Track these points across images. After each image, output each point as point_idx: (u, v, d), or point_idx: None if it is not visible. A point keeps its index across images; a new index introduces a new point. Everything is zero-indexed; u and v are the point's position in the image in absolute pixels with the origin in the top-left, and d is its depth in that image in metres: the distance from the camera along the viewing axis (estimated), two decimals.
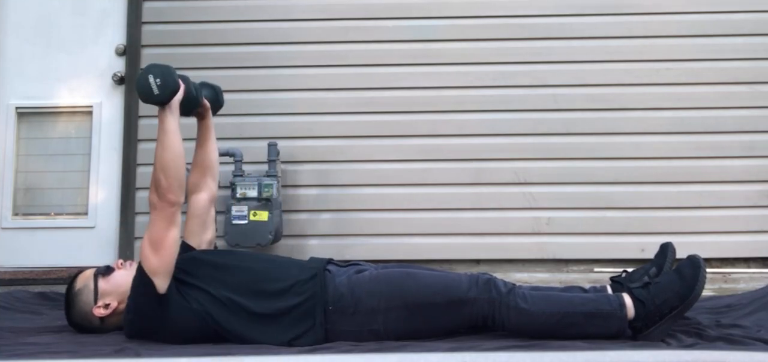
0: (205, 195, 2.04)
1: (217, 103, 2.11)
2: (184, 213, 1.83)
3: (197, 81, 1.91)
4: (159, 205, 1.71)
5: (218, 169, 2.14)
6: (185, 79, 1.85)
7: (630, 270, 1.86)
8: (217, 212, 3.03)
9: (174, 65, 3.24)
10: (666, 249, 1.85)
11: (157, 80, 1.70)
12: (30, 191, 3.29)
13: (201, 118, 2.06)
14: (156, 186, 1.72)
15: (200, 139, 2.08)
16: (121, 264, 1.90)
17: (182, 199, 1.75)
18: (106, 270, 1.86)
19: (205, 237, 2.03)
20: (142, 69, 1.76)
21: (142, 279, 1.71)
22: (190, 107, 1.93)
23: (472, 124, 3.17)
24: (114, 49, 3.29)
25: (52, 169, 3.28)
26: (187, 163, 2.00)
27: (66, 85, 3.31)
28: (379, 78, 3.21)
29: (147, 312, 1.71)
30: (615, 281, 1.83)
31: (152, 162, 1.76)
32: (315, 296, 1.75)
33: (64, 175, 3.28)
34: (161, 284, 1.71)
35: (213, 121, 2.09)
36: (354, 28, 3.23)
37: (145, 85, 1.70)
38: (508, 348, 1.60)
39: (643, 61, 3.16)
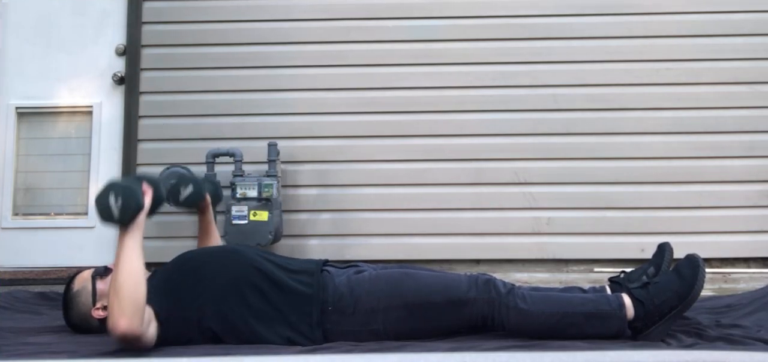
0: None
1: (216, 198, 2.16)
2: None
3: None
4: (113, 334, 1.51)
5: None
6: (154, 182, 1.68)
7: (628, 270, 1.86)
8: (217, 212, 3.04)
9: (174, 65, 3.28)
10: (664, 249, 1.85)
11: (118, 201, 1.53)
12: (30, 191, 3.29)
13: (201, 212, 2.09)
14: (109, 311, 1.51)
15: (201, 233, 2.11)
16: None
17: (138, 327, 1.51)
18: (105, 271, 1.85)
19: (207, 245, 2.04)
20: (103, 186, 1.55)
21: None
22: (185, 205, 1.93)
23: (472, 124, 3.17)
24: (114, 49, 3.30)
25: (52, 169, 3.28)
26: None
27: (66, 85, 3.31)
28: (379, 78, 3.21)
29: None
30: (613, 281, 1.83)
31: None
32: (312, 295, 1.74)
33: (64, 175, 3.28)
34: (146, 339, 1.62)
35: (212, 213, 2.12)
36: (354, 28, 3.23)
37: (104, 206, 1.54)
38: (508, 348, 1.60)
39: (643, 61, 3.16)
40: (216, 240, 2.13)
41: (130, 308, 1.50)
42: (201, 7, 3.26)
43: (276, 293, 1.74)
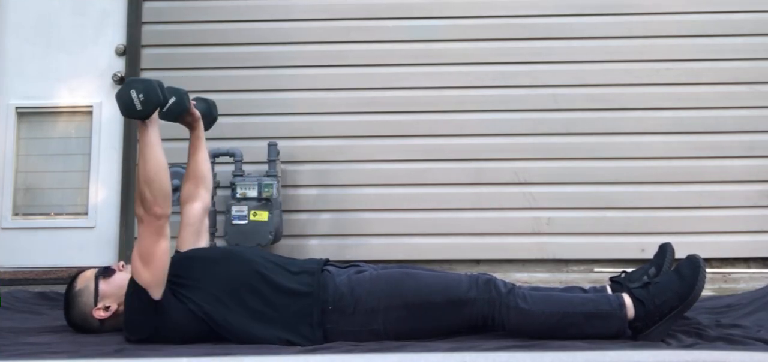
0: (198, 205, 2.05)
1: (210, 116, 2.14)
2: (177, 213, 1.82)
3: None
4: (146, 219, 1.68)
5: (211, 179, 2.14)
6: (166, 88, 1.81)
7: (629, 270, 1.86)
8: (217, 212, 3.04)
9: (174, 65, 3.28)
10: (665, 249, 1.84)
11: (140, 95, 1.66)
12: (30, 191, 3.29)
13: (191, 128, 2.07)
14: (141, 199, 1.68)
15: (191, 150, 2.09)
16: (123, 265, 1.89)
17: (168, 211, 1.70)
18: (107, 272, 1.85)
19: (198, 246, 2.02)
20: (124, 83, 1.72)
21: (135, 291, 1.69)
22: (173, 115, 1.95)
23: (472, 124, 3.17)
24: (114, 49, 3.30)
25: (52, 168, 3.28)
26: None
27: (66, 85, 3.31)
28: (379, 78, 3.21)
29: (143, 322, 1.70)
30: (614, 281, 1.83)
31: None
32: (313, 294, 1.74)
33: (64, 175, 3.28)
34: (155, 293, 1.69)
35: (205, 131, 2.10)
36: (354, 28, 3.23)
37: (127, 100, 1.66)
38: (508, 348, 1.60)
39: (643, 61, 3.17)
40: (204, 158, 2.09)
41: (161, 195, 1.67)
42: (201, 7, 3.26)
43: (276, 294, 1.74)
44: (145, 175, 1.68)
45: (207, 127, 2.12)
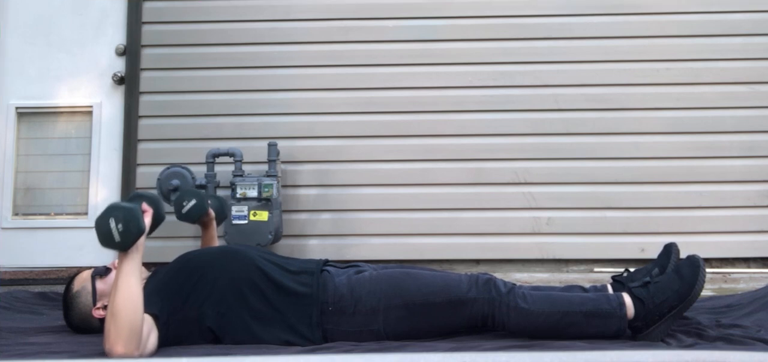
0: None
1: (221, 214, 2.18)
2: None
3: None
4: (109, 357, 1.49)
5: None
6: (155, 202, 1.67)
7: (632, 269, 1.86)
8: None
9: (174, 65, 3.28)
10: (670, 249, 1.84)
11: (119, 226, 1.51)
12: (30, 191, 3.29)
13: (205, 227, 2.11)
14: (105, 335, 1.49)
15: (204, 246, 2.13)
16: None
17: (134, 350, 1.50)
18: (104, 271, 1.85)
19: None
20: (104, 210, 1.53)
21: None
22: (190, 219, 1.98)
23: (472, 124, 3.17)
24: (114, 49, 3.30)
25: (52, 168, 3.28)
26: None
27: (66, 85, 3.31)
28: (379, 78, 3.21)
29: None
30: (616, 280, 1.83)
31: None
32: (312, 295, 1.74)
33: (64, 175, 3.28)
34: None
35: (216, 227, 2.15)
36: (354, 28, 3.23)
37: (105, 231, 1.51)
38: (508, 348, 1.60)
39: (643, 61, 3.17)
40: None
41: (126, 333, 1.48)
42: (201, 7, 3.26)
43: (276, 294, 1.74)
44: (112, 306, 1.50)
45: (218, 224, 2.17)
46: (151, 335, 1.60)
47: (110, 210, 1.53)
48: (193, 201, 2.01)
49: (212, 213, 2.09)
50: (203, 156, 3.04)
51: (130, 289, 1.52)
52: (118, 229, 1.51)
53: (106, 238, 1.52)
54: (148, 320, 1.59)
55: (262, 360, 1.56)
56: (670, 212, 3.10)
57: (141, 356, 1.54)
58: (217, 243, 2.15)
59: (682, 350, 1.58)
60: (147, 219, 1.61)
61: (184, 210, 1.99)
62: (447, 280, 1.78)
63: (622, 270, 1.90)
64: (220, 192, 3.10)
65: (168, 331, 1.66)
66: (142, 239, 1.58)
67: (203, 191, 2.00)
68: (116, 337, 1.48)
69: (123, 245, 1.53)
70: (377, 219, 3.15)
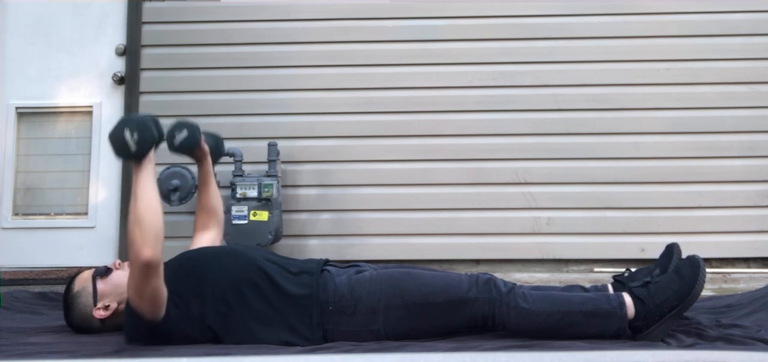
0: (209, 236, 2.06)
1: (217, 151, 2.14)
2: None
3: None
4: (135, 263, 1.56)
5: (222, 213, 2.15)
6: (157, 123, 1.67)
7: (634, 269, 1.86)
8: None
9: (174, 65, 3.28)
10: (671, 250, 1.83)
11: (134, 135, 1.54)
12: (30, 191, 3.29)
13: (200, 162, 2.07)
14: (131, 242, 1.56)
15: (201, 184, 2.10)
16: (120, 264, 1.89)
17: (159, 255, 1.57)
18: (105, 271, 1.85)
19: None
20: (117, 123, 1.58)
21: (134, 319, 1.65)
22: (185, 149, 1.94)
23: (472, 124, 3.17)
24: (114, 49, 3.30)
25: (52, 168, 3.29)
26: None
27: (66, 85, 3.31)
28: (379, 78, 3.21)
29: (144, 334, 1.68)
30: (617, 280, 1.83)
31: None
32: (313, 295, 1.74)
33: (64, 175, 3.28)
34: (155, 320, 1.65)
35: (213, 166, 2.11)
36: (354, 28, 3.23)
37: (120, 141, 1.55)
38: (508, 348, 1.60)
39: (643, 61, 3.17)
40: (214, 192, 2.09)
41: (152, 237, 1.54)
42: (201, 7, 3.26)
43: (276, 294, 1.74)
44: (135, 214, 1.56)
45: (214, 162, 2.13)
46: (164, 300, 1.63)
47: (123, 122, 1.58)
48: (185, 133, 1.93)
49: (206, 147, 2.05)
50: None
51: (150, 197, 1.58)
52: (134, 138, 1.55)
53: (121, 149, 1.56)
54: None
55: (262, 360, 1.56)
56: (670, 212, 3.10)
57: (159, 267, 1.58)
58: (213, 179, 2.09)
59: (682, 350, 1.58)
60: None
61: (176, 141, 1.93)
62: (447, 280, 1.78)
63: (622, 270, 1.89)
64: (220, 193, 3.10)
65: (170, 326, 1.67)
66: (154, 151, 1.62)
67: (196, 124, 1.94)
68: (143, 242, 1.53)
69: (138, 153, 1.57)
70: (377, 219, 3.15)
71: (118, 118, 1.63)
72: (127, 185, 3.19)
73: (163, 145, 1.74)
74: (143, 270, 1.55)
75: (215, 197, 2.10)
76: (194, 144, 1.96)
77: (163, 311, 1.64)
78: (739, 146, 3.12)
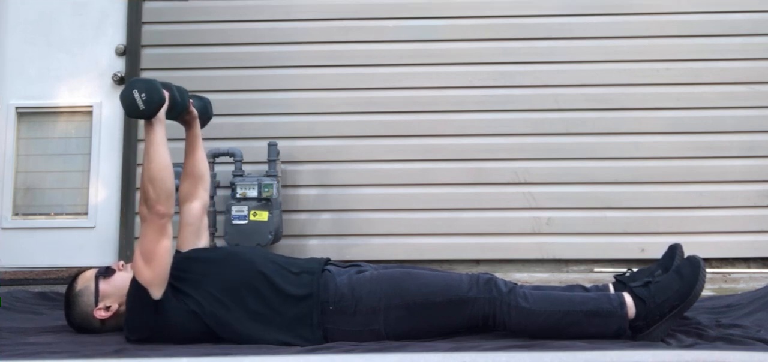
0: (197, 204, 2.04)
1: (205, 114, 2.13)
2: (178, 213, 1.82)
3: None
4: (149, 217, 1.70)
5: (209, 178, 2.13)
6: (169, 86, 1.85)
7: (635, 269, 1.86)
8: (217, 212, 3.04)
9: (174, 65, 3.28)
10: (674, 250, 1.83)
11: (143, 95, 1.69)
12: (30, 191, 3.29)
13: (188, 126, 2.06)
14: (145, 198, 1.70)
15: (188, 149, 2.08)
16: (122, 265, 1.89)
17: (172, 210, 1.73)
18: (107, 272, 1.85)
19: (198, 245, 2.02)
20: (126, 84, 1.74)
21: (137, 290, 1.70)
22: (175, 113, 1.95)
23: (472, 124, 3.17)
24: (114, 49, 3.30)
25: (52, 168, 3.29)
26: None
27: (66, 85, 3.31)
28: (379, 78, 3.21)
29: (144, 321, 1.70)
30: (618, 280, 1.83)
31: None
32: (313, 295, 1.74)
33: (64, 175, 3.28)
34: (156, 292, 1.70)
35: (201, 130, 2.10)
36: (354, 28, 3.23)
37: (130, 101, 1.69)
38: (508, 348, 1.60)
39: (643, 61, 3.17)
40: (201, 158, 2.08)
41: (164, 194, 1.69)
42: (201, 7, 3.26)
43: (277, 296, 1.74)
44: (149, 173, 1.70)
45: (202, 125, 2.12)
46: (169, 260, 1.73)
47: (132, 83, 1.71)
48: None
49: (194, 111, 2.05)
50: None
51: (162, 155, 1.72)
52: (142, 98, 1.69)
53: (131, 108, 1.70)
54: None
55: (262, 360, 1.56)
56: (670, 212, 3.10)
57: (160, 277, 1.68)
58: (200, 143, 2.08)
59: (682, 350, 1.58)
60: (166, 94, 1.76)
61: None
62: (448, 280, 1.78)
63: (622, 270, 1.90)
64: (220, 193, 3.11)
65: (168, 318, 1.70)
66: (164, 109, 1.75)
67: (184, 89, 1.96)
68: (156, 199, 1.68)
69: (148, 112, 1.71)
70: (377, 219, 3.15)
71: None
72: (127, 185, 3.19)
73: None
74: (157, 226, 1.68)
75: (202, 162, 2.08)
76: (183, 109, 1.97)
77: (165, 283, 1.71)
78: (739, 146, 3.12)
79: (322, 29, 3.24)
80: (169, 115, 1.93)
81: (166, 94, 1.77)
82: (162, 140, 1.74)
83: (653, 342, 1.68)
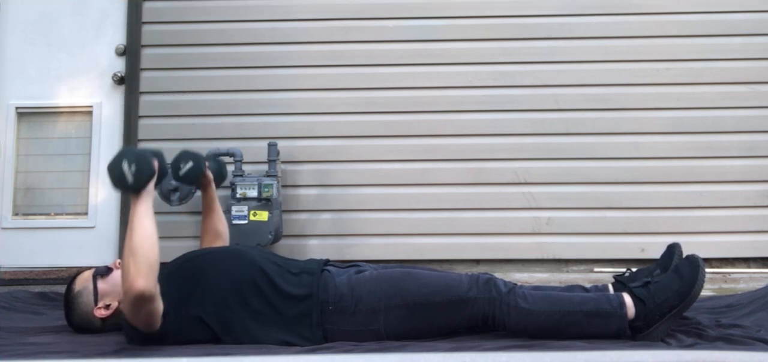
0: None
1: (220, 176, 2.16)
2: None
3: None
4: (128, 294, 1.54)
5: (227, 235, 2.15)
6: (158, 154, 1.71)
7: (635, 269, 1.86)
8: None
9: (174, 65, 3.28)
10: (673, 250, 1.83)
11: (132, 167, 1.57)
12: (30, 191, 3.29)
13: (204, 189, 2.09)
14: (125, 273, 1.55)
15: (205, 210, 2.11)
16: (120, 263, 1.89)
17: (153, 287, 1.55)
18: (106, 271, 1.85)
19: None
20: (116, 154, 1.60)
21: (133, 331, 1.66)
22: (192, 179, 1.97)
23: (472, 124, 3.17)
24: (114, 49, 3.30)
25: (52, 168, 3.29)
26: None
27: (66, 85, 3.31)
28: (379, 78, 3.21)
29: (143, 337, 1.68)
30: (618, 280, 1.83)
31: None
32: (313, 295, 1.74)
33: (64, 175, 3.28)
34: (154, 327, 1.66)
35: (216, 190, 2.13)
36: (354, 28, 3.23)
37: (118, 173, 1.57)
38: (508, 348, 1.60)
39: (643, 61, 3.17)
40: (219, 217, 2.11)
41: (146, 268, 1.54)
42: (201, 7, 3.26)
43: (277, 295, 1.74)
44: (130, 244, 1.56)
45: (217, 186, 2.14)
46: (160, 299, 1.62)
47: (122, 154, 1.60)
48: (190, 163, 1.98)
49: (210, 174, 2.07)
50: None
51: (146, 228, 1.58)
52: (131, 170, 1.58)
53: (119, 180, 1.59)
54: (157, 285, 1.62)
55: (262, 360, 1.56)
56: (670, 212, 3.10)
57: (155, 299, 1.58)
58: (217, 204, 2.11)
59: (682, 350, 1.58)
60: (156, 166, 1.66)
61: (182, 171, 1.97)
62: (447, 280, 1.78)
63: (622, 270, 1.90)
64: (220, 193, 3.10)
65: (169, 326, 1.66)
66: (152, 182, 1.64)
67: (200, 153, 1.98)
68: (136, 273, 1.53)
69: (136, 186, 1.59)
70: (377, 219, 3.15)
71: (118, 149, 1.66)
72: None
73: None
74: (136, 301, 1.54)
75: (220, 221, 2.12)
76: (199, 173, 1.99)
77: (158, 324, 1.64)
78: (739, 146, 3.12)
79: (322, 29, 3.24)
80: (183, 180, 1.96)
81: (156, 165, 1.65)
82: (148, 212, 1.61)
83: (653, 342, 1.68)
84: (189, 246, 2.83)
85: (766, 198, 3.10)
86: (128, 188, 1.60)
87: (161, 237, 1.62)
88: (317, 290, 1.75)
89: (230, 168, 3.03)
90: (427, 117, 3.18)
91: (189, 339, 1.71)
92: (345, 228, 3.16)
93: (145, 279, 1.53)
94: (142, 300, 1.54)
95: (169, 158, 3.17)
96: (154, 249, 1.57)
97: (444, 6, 3.22)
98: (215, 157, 2.19)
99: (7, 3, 3.34)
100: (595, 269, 3.09)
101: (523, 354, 1.49)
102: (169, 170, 1.95)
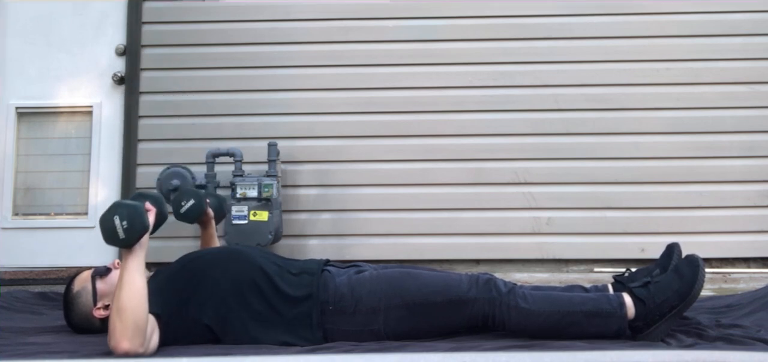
0: None
1: (220, 213, 2.16)
2: None
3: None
4: (114, 353, 1.51)
5: None
6: (158, 201, 1.71)
7: (634, 269, 1.86)
8: None
9: (174, 65, 3.28)
10: (672, 250, 1.84)
11: (124, 222, 1.53)
12: (30, 191, 3.29)
13: (204, 226, 2.11)
14: (111, 331, 1.51)
15: (204, 245, 2.13)
16: (119, 264, 1.89)
17: (139, 347, 1.52)
18: (105, 271, 1.85)
19: None
20: (108, 208, 1.56)
21: None
22: (193, 217, 1.98)
23: (472, 124, 3.17)
24: (114, 49, 3.30)
25: (52, 168, 3.28)
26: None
27: (66, 85, 3.31)
28: (379, 78, 3.21)
29: None
30: (617, 280, 1.83)
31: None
32: (313, 295, 1.74)
33: (64, 175, 3.28)
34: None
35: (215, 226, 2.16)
36: (354, 28, 3.23)
37: (110, 228, 1.54)
38: (508, 348, 1.60)
39: (643, 61, 3.17)
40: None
41: (132, 329, 1.51)
42: (201, 7, 3.26)
43: (277, 296, 1.74)
44: (117, 303, 1.52)
45: (217, 222, 2.16)
46: (154, 334, 1.61)
47: (114, 208, 1.55)
48: (192, 201, 2.02)
49: (211, 212, 2.10)
50: (203, 156, 3.04)
51: (135, 286, 1.55)
52: (123, 226, 1.54)
53: (110, 235, 1.55)
54: (151, 319, 1.61)
55: (262, 360, 1.56)
56: (670, 212, 3.10)
57: (144, 354, 1.55)
58: (216, 242, 2.15)
59: (682, 350, 1.58)
60: (151, 218, 1.63)
61: (183, 209, 2.00)
62: (447, 280, 1.78)
63: (622, 270, 1.89)
64: (220, 193, 3.11)
65: (168, 331, 1.66)
66: (146, 236, 1.60)
67: (202, 191, 2.00)
68: (122, 334, 1.50)
69: (127, 242, 1.56)
70: (377, 219, 3.15)
71: (108, 204, 1.61)
72: (127, 185, 3.19)
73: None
74: (122, 355, 1.51)
75: None
76: (200, 211, 2.00)
77: (155, 343, 1.62)
78: (739, 146, 3.12)
79: (322, 29, 3.24)
80: (183, 219, 1.97)
81: (151, 218, 1.63)
82: (138, 268, 1.57)
83: (653, 342, 1.68)
84: (189, 246, 2.84)
85: (766, 198, 3.10)
86: (119, 244, 1.56)
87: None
88: (317, 290, 1.75)
89: (230, 168, 3.04)
90: (427, 117, 3.18)
91: (189, 340, 1.71)
92: (345, 228, 3.16)
93: (130, 341, 1.50)
94: (127, 356, 1.52)
95: (169, 158, 3.19)
96: (141, 308, 1.54)
97: (444, 6, 3.22)
98: (216, 194, 2.20)
99: (7, 3, 3.34)
100: (595, 269, 3.09)
101: (523, 354, 1.49)
102: (171, 207, 1.95)
